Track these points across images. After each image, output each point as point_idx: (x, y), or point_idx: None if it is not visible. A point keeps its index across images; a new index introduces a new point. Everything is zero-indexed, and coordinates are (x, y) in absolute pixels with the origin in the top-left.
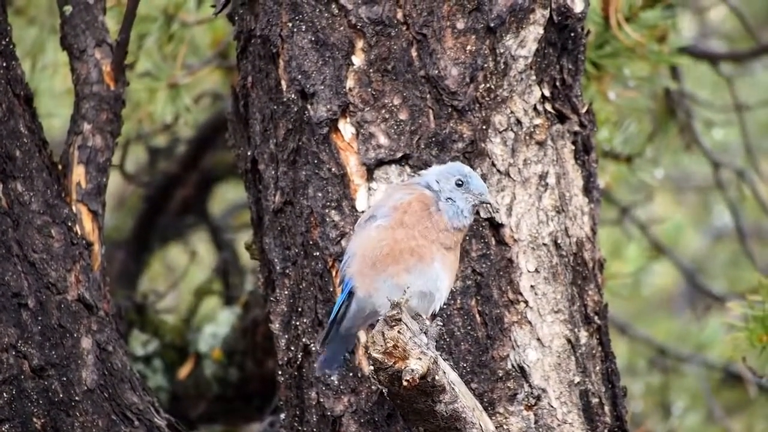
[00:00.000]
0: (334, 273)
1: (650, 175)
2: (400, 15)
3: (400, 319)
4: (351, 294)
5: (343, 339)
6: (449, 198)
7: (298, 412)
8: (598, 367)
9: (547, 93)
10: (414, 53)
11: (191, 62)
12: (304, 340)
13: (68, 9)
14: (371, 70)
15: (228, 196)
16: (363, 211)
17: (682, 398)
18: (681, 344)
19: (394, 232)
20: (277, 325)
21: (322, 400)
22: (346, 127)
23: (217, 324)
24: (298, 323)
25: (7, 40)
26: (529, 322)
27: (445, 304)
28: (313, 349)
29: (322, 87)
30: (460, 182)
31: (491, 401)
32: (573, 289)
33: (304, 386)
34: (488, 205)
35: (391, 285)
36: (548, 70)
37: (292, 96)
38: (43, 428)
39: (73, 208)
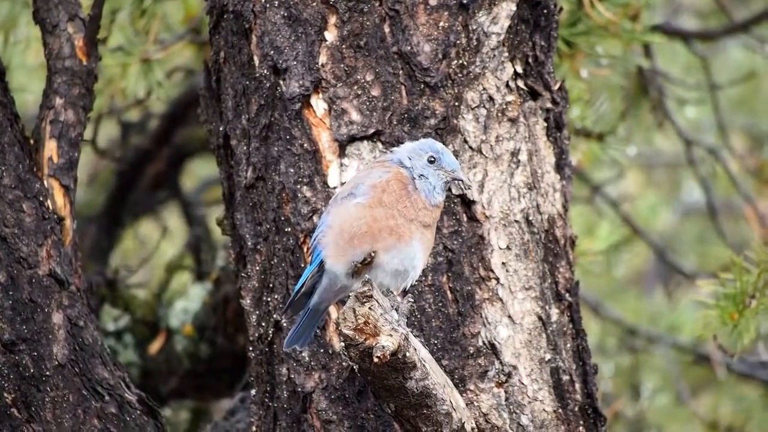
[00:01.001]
0: (305, 249)
1: (622, 153)
2: None
3: (371, 296)
4: (321, 268)
5: (314, 315)
6: (422, 175)
7: (268, 388)
8: (569, 345)
9: (519, 70)
10: (387, 29)
11: (164, 37)
12: (275, 316)
13: None
14: (344, 46)
15: (200, 171)
16: (335, 188)
17: (651, 379)
18: (652, 323)
19: (372, 210)
20: (248, 301)
21: (292, 376)
22: (318, 103)
23: (188, 299)
24: (269, 299)
25: None
26: (500, 299)
27: (416, 280)
28: (284, 324)
29: (295, 63)
30: (432, 159)
31: (462, 378)
32: (544, 266)
33: (275, 362)
34: (460, 182)
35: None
36: (521, 47)
37: (265, 71)
38: (14, 403)
39: (45, 182)
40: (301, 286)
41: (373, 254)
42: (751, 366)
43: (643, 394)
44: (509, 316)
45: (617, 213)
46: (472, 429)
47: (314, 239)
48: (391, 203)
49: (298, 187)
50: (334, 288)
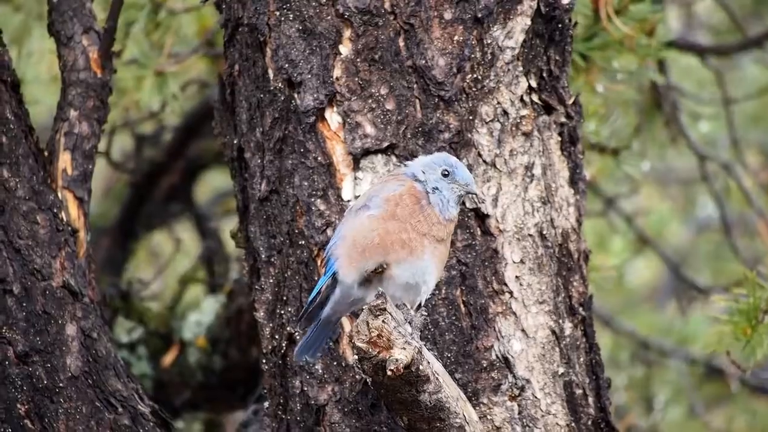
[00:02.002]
0: (319, 262)
1: (636, 167)
2: (387, 5)
3: (384, 309)
4: (335, 279)
5: (326, 326)
6: (435, 188)
7: (281, 401)
8: (582, 359)
9: (533, 84)
10: (401, 43)
11: (178, 50)
12: (288, 328)
13: None
14: (358, 60)
15: (214, 184)
16: (349, 201)
17: (664, 392)
18: (664, 337)
19: (386, 223)
20: (262, 314)
21: (305, 388)
22: (332, 117)
23: (202, 312)
24: (282, 312)
25: None
26: (514, 313)
27: (431, 293)
28: (297, 337)
29: (309, 76)
30: (446, 172)
31: (475, 391)
32: (558, 280)
33: (288, 375)
34: (474, 196)
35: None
36: (535, 61)
37: (279, 85)
38: (27, 414)
39: (59, 194)
40: (315, 297)
41: (385, 266)
42: (765, 381)
43: (656, 406)
44: (523, 330)
45: (631, 227)
46: None
47: (328, 251)
48: (404, 217)
49: (312, 200)
50: (347, 300)
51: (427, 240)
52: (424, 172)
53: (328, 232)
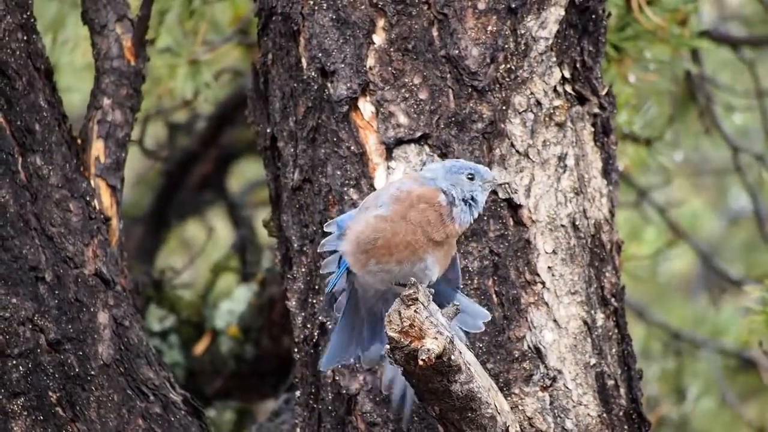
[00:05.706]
0: None
1: (669, 158)
2: None
3: (416, 298)
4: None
5: (354, 328)
6: (465, 199)
7: (313, 390)
8: (614, 350)
9: (567, 74)
10: (435, 33)
11: (212, 38)
12: (320, 318)
13: None
14: (392, 49)
15: (247, 173)
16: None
17: (696, 383)
18: (697, 328)
19: (394, 224)
20: (294, 303)
21: (337, 378)
22: (365, 106)
23: (234, 301)
24: (314, 301)
25: (28, 13)
26: (546, 303)
27: (462, 283)
28: (329, 326)
29: (343, 65)
30: (471, 175)
31: (507, 382)
32: (590, 271)
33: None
34: (506, 185)
35: (381, 270)
36: (569, 52)
37: (313, 74)
38: (59, 402)
39: (92, 182)
40: (333, 286)
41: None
42: None
43: (688, 397)
44: (555, 320)
45: (664, 218)
46: None
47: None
48: (417, 222)
49: (345, 189)
50: (368, 294)
51: (432, 245)
52: (453, 186)
53: None
